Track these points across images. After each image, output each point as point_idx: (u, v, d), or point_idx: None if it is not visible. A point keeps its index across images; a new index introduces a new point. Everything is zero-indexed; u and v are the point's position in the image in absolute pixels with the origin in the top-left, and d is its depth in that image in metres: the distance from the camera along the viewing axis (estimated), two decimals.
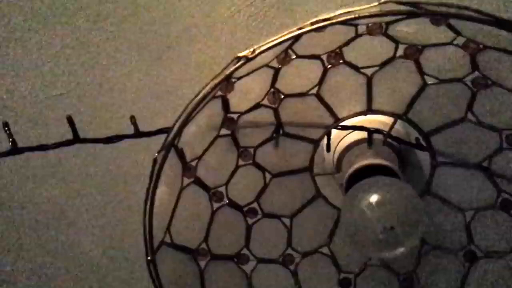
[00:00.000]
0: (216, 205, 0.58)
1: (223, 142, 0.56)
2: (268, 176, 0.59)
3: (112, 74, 0.61)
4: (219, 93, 0.52)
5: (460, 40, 0.51)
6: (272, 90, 0.56)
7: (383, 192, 0.48)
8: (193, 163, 0.55)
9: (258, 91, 0.56)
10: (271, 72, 0.54)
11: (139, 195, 0.52)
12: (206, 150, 0.55)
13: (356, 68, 0.55)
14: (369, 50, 0.55)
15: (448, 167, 0.59)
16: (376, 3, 0.43)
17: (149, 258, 0.51)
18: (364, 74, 0.55)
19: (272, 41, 0.43)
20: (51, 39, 0.60)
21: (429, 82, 0.54)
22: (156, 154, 0.49)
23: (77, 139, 0.50)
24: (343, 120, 0.57)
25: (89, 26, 0.60)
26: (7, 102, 0.62)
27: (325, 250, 0.60)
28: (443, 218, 0.61)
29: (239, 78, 0.51)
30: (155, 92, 0.62)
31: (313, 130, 0.58)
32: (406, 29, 0.53)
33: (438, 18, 0.46)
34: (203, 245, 0.57)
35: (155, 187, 0.49)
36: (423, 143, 0.56)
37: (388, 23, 0.50)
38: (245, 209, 0.59)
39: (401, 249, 0.48)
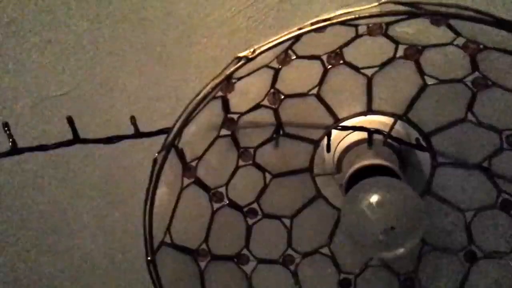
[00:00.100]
0: (216, 206, 0.58)
1: (223, 143, 0.56)
2: (268, 176, 0.59)
3: (112, 74, 0.61)
4: (219, 93, 0.52)
5: (460, 41, 0.51)
6: (272, 90, 0.56)
7: (383, 192, 0.48)
8: (193, 164, 0.55)
9: (258, 92, 0.56)
10: (271, 72, 0.54)
11: (139, 195, 0.52)
12: (206, 150, 0.55)
13: (356, 69, 0.55)
14: (369, 50, 0.55)
15: (448, 167, 0.59)
16: (376, 4, 0.43)
17: (149, 258, 0.51)
18: (364, 74, 0.55)
19: (272, 41, 0.43)
20: (51, 39, 0.60)
21: (429, 83, 0.54)
22: (156, 155, 0.48)
23: (77, 139, 0.49)
24: (343, 121, 0.57)
25: (89, 26, 0.60)
26: (7, 102, 0.62)
27: (325, 250, 0.60)
28: (443, 218, 0.61)
29: (239, 79, 0.51)
30: (155, 92, 0.62)
31: (313, 130, 0.58)
32: (406, 30, 0.53)
33: (438, 18, 0.46)
34: (203, 246, 0.57)
35: (155, 187, 0.48)
36: (423, 143, 0.56)
37: (388, 24, 0.50)
38: (245, 209, 0.59)
39: (401, 249, 0.48)
